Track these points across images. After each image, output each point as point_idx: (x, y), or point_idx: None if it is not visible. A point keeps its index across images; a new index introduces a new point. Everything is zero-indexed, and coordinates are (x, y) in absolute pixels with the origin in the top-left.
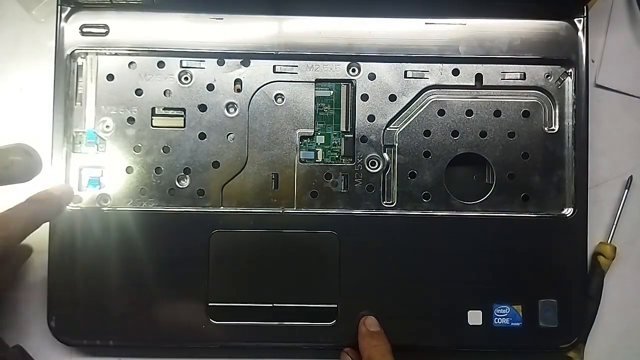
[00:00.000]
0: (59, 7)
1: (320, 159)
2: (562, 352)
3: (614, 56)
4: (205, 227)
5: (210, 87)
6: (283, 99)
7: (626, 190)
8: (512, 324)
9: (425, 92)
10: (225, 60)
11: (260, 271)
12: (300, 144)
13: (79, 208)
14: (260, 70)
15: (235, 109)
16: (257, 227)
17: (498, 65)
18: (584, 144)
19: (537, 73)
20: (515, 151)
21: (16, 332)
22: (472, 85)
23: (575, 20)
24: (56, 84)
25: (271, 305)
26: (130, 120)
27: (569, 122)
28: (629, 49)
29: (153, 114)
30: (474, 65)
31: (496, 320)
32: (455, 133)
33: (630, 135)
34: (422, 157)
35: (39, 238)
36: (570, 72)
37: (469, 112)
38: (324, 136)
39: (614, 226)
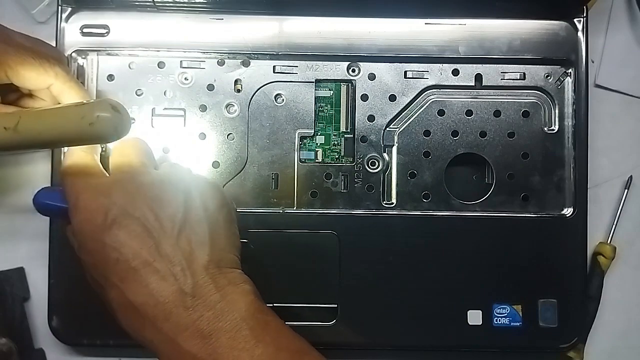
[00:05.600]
0: (60, 7)
1: (320, 159)
2: (562, 352)
3: (613, 56)
4: None
5: (210, 87)
6: (283, 99)
7: (626, 190)
8: (512, 323)
9: (425, 92)
10: (225, 60)
11: (260, 271)
12: (300, 144)
13: None
14: (260, 70)
15: (235, 109)
16: (257, 227)
17: (498, 65)
18: (584, 144)
19: (536, 73)
20: (515, 151)
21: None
22: (472, 86)
23: (575, 20)
24: None
25: (271, 305)
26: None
27: (568, 122)
28: (629, 49)
29: (153, 114)
30: (474, 65)
31: (496, 320)
32: (455, 133)
33: (630, 135)
34: (422, 157)
35: (39, 238)
36: (570, 72)
37: (469, 112)
38: (324, 136)
39: (614, 226)
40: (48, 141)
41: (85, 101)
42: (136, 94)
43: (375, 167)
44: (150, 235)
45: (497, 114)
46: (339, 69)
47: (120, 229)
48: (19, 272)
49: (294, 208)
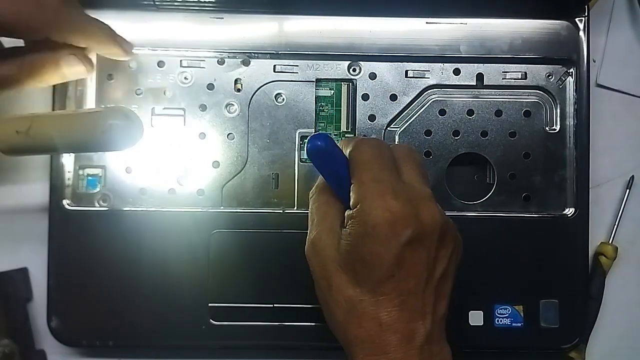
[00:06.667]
0: None
1: None
2: (563, 353)
3: (615, 56)
4: (205, 227)
5: (210, 87)
6: (283, 99)
7: (627, 190)
8: (513, 324)
9: (426, 92)
10: (225, 60)
11: (260, 271)
12: (300, 144)
13: (78, 208)
14: (261, 69)
15: (236, 109)
16: (257, 227)
17: (499, 64)
18: (585, 144)
19: (538, 73)
20: (517, 151)
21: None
22: (473, 85)
23: (577, 19)
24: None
25: (271, 305)
26: None
27: (570, 121)
28: (630, 49)
29: (153, 113)
30: (475, 64)
31: (497, 321)
32: (456, 133)
33: (631, 135)
34: (423, 156)
35: (39, 237)
36: (572, 72)
37: (470, 112)
38: None
39: (616, 226)
40: (59, 146)
41: (100, 108)
42: (136, 93)
43: None
44: (427, 269)
45: (498, 113)
46: (339, 69)
47: (411, 249)
48: (23, 273)
49: (295, 208)
